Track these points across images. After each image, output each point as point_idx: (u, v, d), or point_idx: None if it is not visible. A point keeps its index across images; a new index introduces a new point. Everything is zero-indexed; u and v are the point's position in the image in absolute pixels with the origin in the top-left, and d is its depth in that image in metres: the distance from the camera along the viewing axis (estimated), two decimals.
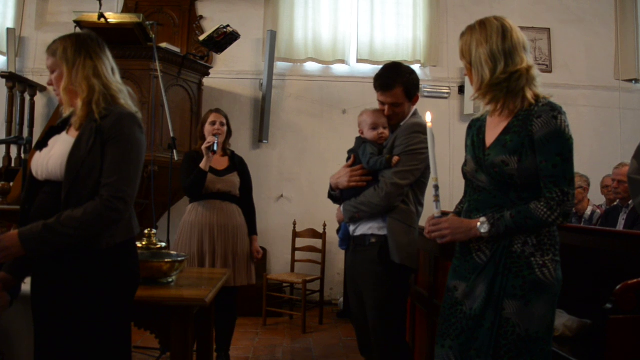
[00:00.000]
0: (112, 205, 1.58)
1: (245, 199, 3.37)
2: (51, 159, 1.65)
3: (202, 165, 3.13)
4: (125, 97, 1.75)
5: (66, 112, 1.75)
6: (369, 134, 2.32)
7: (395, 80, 2.27)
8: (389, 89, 2.27)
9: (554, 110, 1.55)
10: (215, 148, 3.13)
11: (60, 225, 1.55)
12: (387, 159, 2.23)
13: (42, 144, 1.74)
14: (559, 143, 1.53)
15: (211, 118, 3.30)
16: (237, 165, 3.37)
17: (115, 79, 1.76)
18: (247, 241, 3.33)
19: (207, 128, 3.28)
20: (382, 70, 2.35)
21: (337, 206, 2.49)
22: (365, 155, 2.27)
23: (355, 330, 2.52)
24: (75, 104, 1.70)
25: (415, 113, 2.37)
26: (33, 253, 1.58)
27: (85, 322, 1.61)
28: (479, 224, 1.59)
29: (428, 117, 1.72)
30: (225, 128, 3.31)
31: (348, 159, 2.42)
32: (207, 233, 3.18)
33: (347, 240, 2.44)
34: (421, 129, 2.26)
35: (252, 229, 3.40)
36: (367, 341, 2.39)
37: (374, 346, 2.29)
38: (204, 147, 3.16)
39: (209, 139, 3.18)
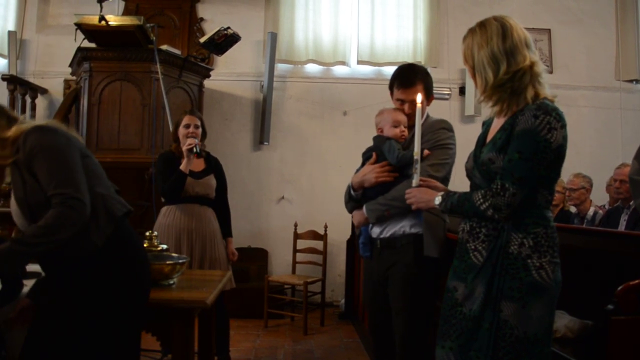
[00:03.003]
0: (66, 205, 1.59)
1: (220, 201, 3.30)
2: (12, 211, 1.72)
3: (183, 167, 3.06)
4: (27, 123, 1.75)
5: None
6: (390, 132, 2.25)
7: (416, 77, 2.27)
8: (411, 85, 2.25)
9: (539, 110, 1.53)
10: (198, 150, 3.07)
11: (27, 237, 1.58)
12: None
13: None
14: (526, 141, 1.52)
15: (185, 121, 3.21)
16: (214, 166, 3.31)
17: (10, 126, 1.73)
18: (223, 245, 3.26)
19: (181, 131, 3.19)
20: (399, 70, 2.35)
21: (342, 208, 2.40)
22: (393, 151, 2.18)
23: (374, 337, 2.36)
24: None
25: (429, 115, 2.35)
26: (3, 270, 1.61)
27: (87, 325, 1.65)
28: (436, 197, 1.71)
29: (418, 99, 1.85)
30: (199, 130, 3.23)
31: (364, 162, 2.33)
32: (185, 238, 3.11)
33: (369, 246, 2.30)
34: (447, 125, 2.27)
35: (227, 231, 3.33)
36: (388, 349, 2.27)
37: (400, 353, 2.18)
38: (185, 149, 3.08)
39: (189, 141, 3.10)
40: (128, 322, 1.76)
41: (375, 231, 2.26)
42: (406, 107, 2.27)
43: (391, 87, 2.33)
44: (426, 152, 2.15)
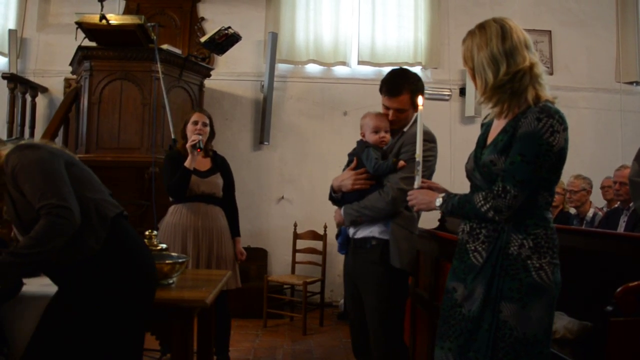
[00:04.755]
0: (53, 214, 1.61)
1: (228, 200, 3.30)
2: (14, 230, 1.78)
3: (187, 164, 3.06)
4: (8, 145, 1.78)
5: None
6: (371, 137, 2.31)
7: (403, 87, 2.28)
8: (396, 94, 2.28)
9: (542, 113, 1.53)
10: (201, 145, 3.07)
11: (19, 248, 1.60)
12: (393, 162, 2.23)
13: None
14: (528, 143, 1.52)
15: (193, 118, 3.22)
16: (220, 165, 3.31)
17: None
18: (231, 244, 3.27)
19: (189, 128, 3.20)
20: (389, 75, 2.36)
21: (336, 208, 2.48)
22: (370, 160, 2.26)
23: (351, 332, 2.49)
24: None
25: (414, 123, 2.36)
26: (3, 282, 1.63)
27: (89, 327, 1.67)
28: (437, 198, 1.72)
29: (420, 101, 1.87)
30: (207, 129, 3.23)
31: (349, 162, 2.41)
32: (190, 236, 3.10)
33: (346, 245, 2.44)
34: (428, 137, 2.28)
35: (235, 231, 3.33)
36: (362, 343, 2.39)
37: (373, 348, 2.29)
38: (188, 145, 3.08)
39: (194, 137, 3.10)
40: (132, 323, 1.78)
41: (351, 231, 2.40)
42: (391, 113, 2.32)
43: (380, 91, 2.37)
44: (401, 163, 2.22)
